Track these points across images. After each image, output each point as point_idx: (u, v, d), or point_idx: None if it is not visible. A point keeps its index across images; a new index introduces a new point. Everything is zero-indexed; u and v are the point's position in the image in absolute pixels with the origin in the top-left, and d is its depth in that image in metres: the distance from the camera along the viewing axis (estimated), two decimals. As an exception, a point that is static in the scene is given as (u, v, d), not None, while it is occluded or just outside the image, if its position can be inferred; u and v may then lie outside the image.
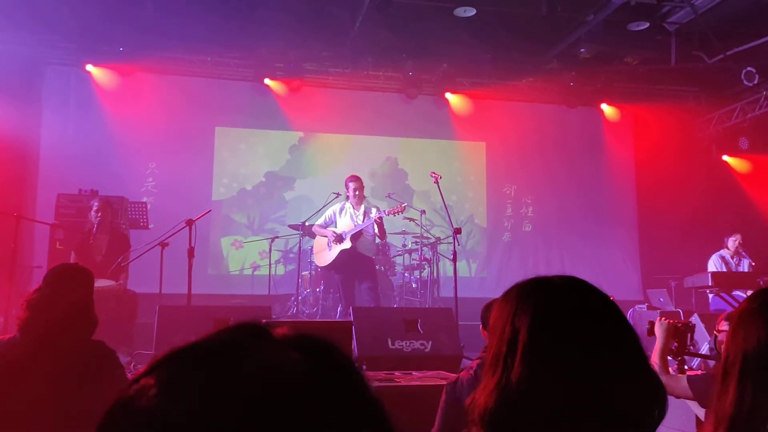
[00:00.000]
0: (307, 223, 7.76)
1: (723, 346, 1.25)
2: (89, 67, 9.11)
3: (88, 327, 2.56)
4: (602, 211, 10.64)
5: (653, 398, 1.00)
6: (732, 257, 7.75)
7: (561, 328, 1.03)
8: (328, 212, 7.15)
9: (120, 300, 5.95)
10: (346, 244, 6.82)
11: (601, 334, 1.03)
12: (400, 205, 6.78)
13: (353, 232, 6.80)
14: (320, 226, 7.12)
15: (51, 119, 9.17)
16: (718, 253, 7.83)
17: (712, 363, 5.10)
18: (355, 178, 7.07)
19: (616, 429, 0.97)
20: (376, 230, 6.79)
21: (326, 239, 7.05)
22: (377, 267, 7.68)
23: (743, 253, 7.72)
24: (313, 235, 7.46)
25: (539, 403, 0.98)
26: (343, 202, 7.12)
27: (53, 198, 7.37)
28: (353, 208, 6.98)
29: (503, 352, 1.04)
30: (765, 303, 1.22)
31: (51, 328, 2.45)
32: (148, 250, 5.93)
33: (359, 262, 6.87)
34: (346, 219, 6.97)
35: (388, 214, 6.74)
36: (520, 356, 1.02)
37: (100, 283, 5.60)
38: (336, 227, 7.02)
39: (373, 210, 6.86)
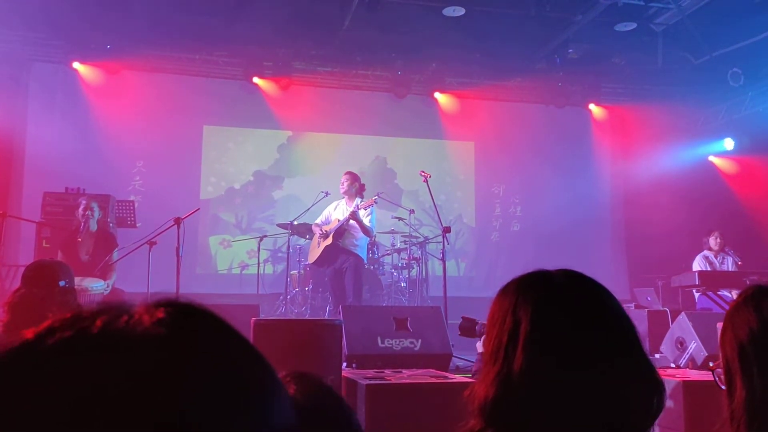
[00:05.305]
0: (295, 222, 7.75)
1: (720, 350, 1.28)
2: (76, 65, 9.03)
3: None
4: (590, 211, 10.69)
5: (652, 390, 1.02)
6: (716, 256, 7.76)
7: (563, 318, 1.04)
8: (326, 209, 7.23)
9: (108, 299, 5.91)
10: (328, 241, 6.85)
11: (601, 326, 1.05)
12: (371, 199, 6.81)
13: (335, 228, 6.82)
14: (317, 224, 7.16)
15: (37, 117, 9.07)
16: (701, 253, 7.82)
17: (700, 361, 5.14)
18: (345, 173, 7.12)
19: (617, 420, 0.99)
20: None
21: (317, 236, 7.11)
22: (367, 266, 7.68)
23: (728, 252, 7.70)
24: (302, 234, 7.44)
25: (541, 393, 0.99)
26: (340, 199, 7.16)
27: (39, 196, 7.30)
28: (346, 204, 7.02)
29: (504, 342, 1.04)
30: (750, 296, 1.27)
31: (34, 327, 2.43)
32: (136, 249, 5.89)
33: (341, 258, 6.89)
34: (339, 215, 7.02)
35: (358, 209, 6.75)
36: (522, 346, 1.02)
37: (87, 282, 5.58)
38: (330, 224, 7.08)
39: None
